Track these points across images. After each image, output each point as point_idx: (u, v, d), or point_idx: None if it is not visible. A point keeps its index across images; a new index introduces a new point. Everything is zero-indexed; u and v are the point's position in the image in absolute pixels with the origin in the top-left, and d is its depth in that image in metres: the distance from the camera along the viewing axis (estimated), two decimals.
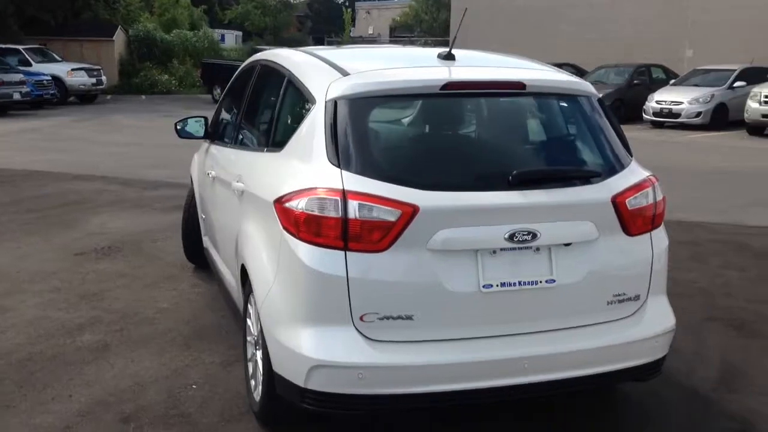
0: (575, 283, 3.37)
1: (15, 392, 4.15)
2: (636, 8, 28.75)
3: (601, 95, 3.90)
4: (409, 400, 3.28)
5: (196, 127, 5.56)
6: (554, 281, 3.33)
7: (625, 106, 21.21)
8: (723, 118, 20.36)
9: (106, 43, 32.82)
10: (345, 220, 3.16)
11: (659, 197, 3.60)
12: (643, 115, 21.07)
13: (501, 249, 3.28)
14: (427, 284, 3.21)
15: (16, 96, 21.85)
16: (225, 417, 3.93)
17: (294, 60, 4.26)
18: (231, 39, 49.58)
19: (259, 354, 3.75)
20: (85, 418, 3.89)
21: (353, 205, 3.16)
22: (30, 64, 25.33)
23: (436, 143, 3.86)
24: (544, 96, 3.83)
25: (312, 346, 3.22)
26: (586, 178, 3.49)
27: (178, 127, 5.62)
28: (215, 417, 3.92)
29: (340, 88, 3.45)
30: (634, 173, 3.59)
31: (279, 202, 3.40)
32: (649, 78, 23.86)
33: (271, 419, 3.77)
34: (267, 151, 4.08)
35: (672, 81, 22.86)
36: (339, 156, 3.29)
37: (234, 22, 48.23)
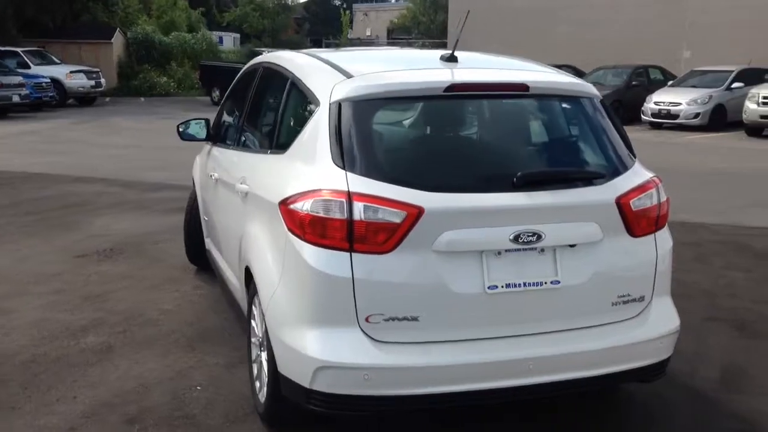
0: (580, 284, 3.38)
1: (20, 394, 4.16)
2: (634, 9, 28.78)
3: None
4: (415, 401, 3.28)
5: (198, 129, 5.56)
6: (559, 282, 3.34)
7: (624, 107, 21.23)
8: (721, 119, 20.41)
9: (105, 45, 32.82)
10: (350, 221, 3.17)
11: (663, 198, 3.61)
12: (642, 116, 21.11)
13: (506, 250, 3.29)
14: (432, 285, 3.22)
15: (15, 98, 21.84)
16: (230, 418, 3.93)
17: (297, 62, 4.27)
18: (229, 41, 49.61)
19: (263, 355, 3.76)
20: (90, 420, 3.90)
21: (358, 207, 3.17)
22: (29, 67, 25.32)
23: (440, 145, 3.87)
24: (547, 98, 3.84)
25: (318, 348, 3.23)
26: (590, 179, 3.50)
27: (181, 129, 5.62)
28: (220, 418, 3.93)
29: (344, 90, 3.46)
30: (637, 174, 3.60)
31: (284, 203, 3.41)
32: (648, 79, 23.89)
33: (276, 420, 3.77)
34: (271, 153, 4.09)
35: (670, 82, 22.90)
36: (344, 158, 3.30)
37: (232, 24, 48.24)
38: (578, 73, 22.35)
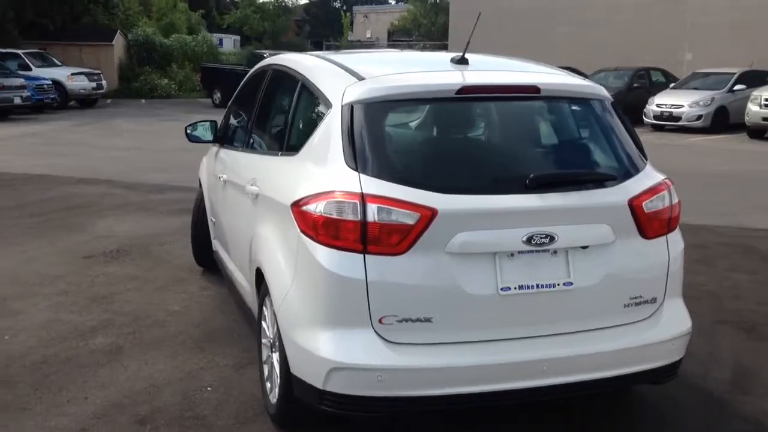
0: (592, 285, 3.39)
1: (30, 395, 4.16)
2: (635, 11, 28.81)
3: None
4: (428, 402, 3.29)
5: (206, 131, 5.59)
6: (572, 284, 3.35)
7: (625, 109, 21.21)
8: (723, 121, 20.41)
9: (106, 47, 32.82)
10: (364, 223, 3.17)
11: (675, 200, 3.62)
12: (644, 118, 21.12)
13: (519, 252, 3.29)
14: (446, 287, 3.23)
15: (17, 100, 21.84)
16: (240, 419, 3.94)
17: (307, 64, 4.28)
18: (229, 43, 49.65)
19: (275, 356, 3.76)
20: (101, 420, 3.90)
21: (372, 209, 3.17)
22: (30, 69, 25.28)
23: (452, 147, 3.88)
24: (558, 100, 3.85)
25: (331, 349, 3.23)
26: (603, 181, 3.50)
27: (188, 131, 5.65)
28: (230, 419, 3.93)
29: (356, 92, 3.47)
30: (649, 176, 3.61)
31: (296, 205, 3.41)
32: (649, 81, 23.91)
33: (288, 421, 3.78)
34: (282, 154, 4.09)
35: (672, 84, 22.93)
36: (356, 159, 3.31)
37: (232, 26, 48.27)
38: (579, 75, 22.33)
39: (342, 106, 3.46)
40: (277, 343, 3.67)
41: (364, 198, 3.18)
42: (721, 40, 26.08)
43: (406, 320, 3.22)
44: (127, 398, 4.14)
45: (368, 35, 56.65)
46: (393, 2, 69.83)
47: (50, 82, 24.38)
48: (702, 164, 14.27)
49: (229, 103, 5.83)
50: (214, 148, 5.82)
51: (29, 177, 11.71)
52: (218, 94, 27.79)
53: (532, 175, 3.32)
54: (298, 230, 3.38)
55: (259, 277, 3.95)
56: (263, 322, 3.99)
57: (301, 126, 4.05)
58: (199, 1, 48.75)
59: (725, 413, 4.11)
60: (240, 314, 5.14)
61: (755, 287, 6.36)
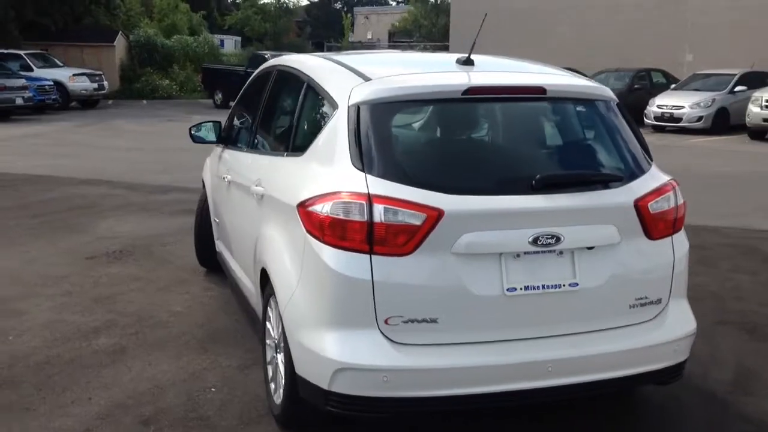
0: (598, 286, 3.39)
1: (34, 395, 4.16)
2: (635, 12, 28.80)
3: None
4: (434, 402, 3.29)
5: (210, 131, 5.60)
6: (577, 285, 3.35)
7: (626, 110, 21.21)
8: (724, 122, 20.42)
9: (107, 48, 32.83)
10: (370, 223, 3.17)
11: (680, 201, 3.63)
12: (644, 119, 21.10)
13: (525, 252, 3.29)
14: (452, 288, 3.23)
15: (19, 101, 21.84)
16: (244, 420, 3.94)
17: (313, 65, 4.28)
18: (230, 44, 49.65)
19: (279, 357, 3.76)
20: (105, 421, 3.90)
21: (379, 209, 3.17)
22: (32, 69, 25.29)
23: (458, 147, 3.89)
24: (564, 101, 3.85)
25: (337, 349, 3.23)
26: (608, 182, 3.51)
27: (193, 132, 5.67)
28: (234, 420, 3.93)
29: (363, 93, 3.48)
30: (654, 177, 3.62)
31: (302, 206, 3.41)
32: (650, 82, 23.92)
33: (292, 422, 3.77)
34: (287, 155, 4.09)
35: (673, 85, 22.92)
36: (363, 160, 3.31)
37: (234, 27, 48.27)
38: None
39: (348, 106, 3.46)
40: (282, 344, 3.68)
41: (370, 198, 3.18)
42: (721, 41, 26.08)
43: (412, 321, 3.22)
44: (131, 399, 4.14)
45: (369, 36, 56.68)
46: (394, 3, 69.94)
47: (52, 83, 24.40)
48: (703, 165, 14.26)
49: (233, 104, 5.83)
50: (218, 149, 5.82)
51: (31, 177, 11.71)
52: (219, 95, 27.83)
53: (538, 176, 3.32)
54: (304, 231, 3.38)
55: (264, 278, 3.95)
56: (268, 323, 3.99)
57: (306, 126, 4.05)
58: (201, 2, 48.74)
59: (727, 414, 4.11)
60: (243, 315, 5.14)
61: (756, 288, 6.36)
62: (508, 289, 3.26)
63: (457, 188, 3.25)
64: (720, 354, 4.87)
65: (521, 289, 3.28)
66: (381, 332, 3.22)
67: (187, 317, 5.44)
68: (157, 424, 3.88)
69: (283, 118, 4.59)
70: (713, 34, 26.54)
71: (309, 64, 4.35)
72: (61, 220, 8.73)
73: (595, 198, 3.41)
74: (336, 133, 3.48)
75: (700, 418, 4.05)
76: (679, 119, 20.45)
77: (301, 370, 3.42)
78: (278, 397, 3.80)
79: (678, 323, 3.60)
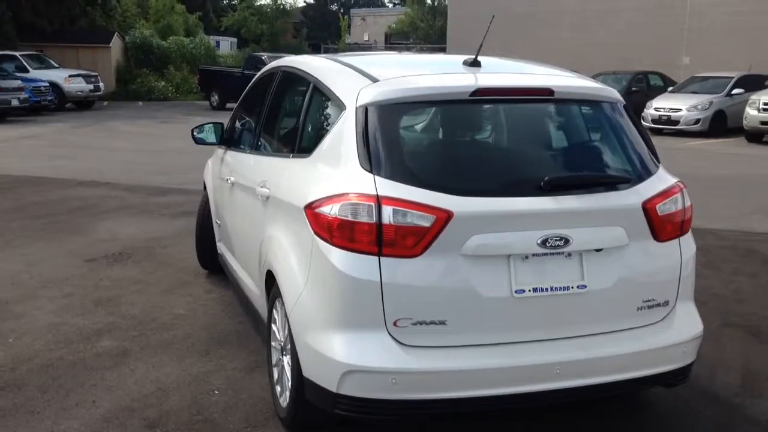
0: (606, 288, 3.38)
1: (39, 398, 4.14)
2: (633, 15, 28.87)
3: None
4: (442, 405, 3.28)
5: (213, 133, 5.58)
6: (585, 287, 3.34)
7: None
8: (721, 125, 20.47)
9: (103, 49, 32.79)
10: (379, 225, 3.16)
11: (687, 203, 3.63)
12: (642, 122, 21.13)
13: (533, 254, 3.28)
14: (460, 289, 3.22)
15: (15, 102, 21.79)
16: (250, 422, 3.92)
17: (319, 66, 4.27)
18: (226, 45, 49.60)
19: (286, 359, 3.75)
20: (110, 424, 3.88)
21: (387, 211, 3.16)
22: (27, 71, 25.26)
23: (466, 149, 3.88)
24: (571, 102, 3.84)
25: (345, 352, 3.22)
26: (616, 184, 3.51)
27: (195, 134, 5.65)
28: (240, 422, 3.92)
29: (371, 94, 3.46)
30: (662, 179, 3.62)
31: (310, 207, 3.40)
32: (647, 85, 23.97)
33: (299, 424, 3.75)
34: (293, 157, 4.07)
35: (670, 88, 22.97)
36: (371, 161, 3.30)
37: (230, 28, 48.23)
38: None
39: (357, 108, 3.45)
40: (288, 346, 3.66)
41: (379, 200, 3.17)
42: (718, 44, 26.16)
43: (421, 323, 3.21)
44: (135, 402, 4.12)
45: (366, 38, 56.72)
46: (390, 5, 69.96)
47: (47, 84, 24.38)
48: (701, 168, 14.26)
49: (236, 105, 5.81)
50: (219, 151, 5.81)
51: (29, 179, 11.68)
52: (216, 97, 27.80)
53: (546, 178, 3.31)
54: (312, 232, 3.36)
55: (270, 280, 3.94)
56: (273, 325, 3.98)
57: (313, 128, 4.03)
58: (197, 4, 48.70)
59: (734, 416, 4.11)
60: (246, 317, 5.12)
61: (757, 291, 6.36)
62: (516, 291, 3.26)
63: (465, 190, 3.24)
64: (728, 356, 4.87)
65: (530, 291, 3.27)
66: (389, 334, 3.21)
67: (189, 319, 5.41)
68: (162, 427, 3.86)
69: (289, 119, 4.58)
70: (710, 37, 26.62)
71: (314, 65, 4.34)
72: (61, 222, 8.71)
73: (603, 200, 3.41)
74: (344, 134, 3.47)
75: (707, 420, 4.04)
76: (676, 122, 20.48)
77: (308, 372, 3.41)
78: (284, 400, 3.79)
79: (685, 325, 3.60)
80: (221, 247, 5.82)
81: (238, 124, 5.64)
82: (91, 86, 26.89)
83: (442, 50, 34.96)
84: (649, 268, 3.51)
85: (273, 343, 4.00)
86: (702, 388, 4.34)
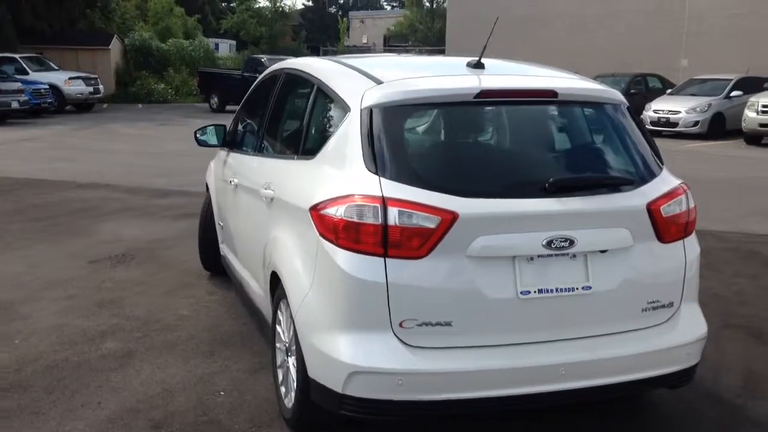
0: (611, 289, 3.40)
1: (44, 399, 4.15)
2: (631, 17, 28.91)
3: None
4: (448, 406, 3.29)
5: (216, 135, 5.60)
6: (590, 288, 3.36)
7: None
8: (720, 127, 20.52)
9: (102, 51, 32.84)
10: (385, 226, 3.17)
11: (691, 205, 3.64)
12: None
13: (538, 256, 3.30)
14: (466, 291, 3.23)
15: (14, 104, 21.85)
16: (255, 423, 3.93)
17: (323, 68, 4.28)
18: (225, 48, 49.65)
19: (291, 361, 3.76)
20: (116, 425, 3.89)
21: (393, 212, 3.18)
22: (27, 73, 25.34)
23: (471, 151, 3.90)
24: (575, 104, 3.86)
25: (351, 353, 3.23)
26: (621, 185, 3.52)
27: (198, 136, 5.66)
28: (246, 423, 3.93)
29: (375, 96, 3.48)
30: (666, 181, 3.64)
31: (315, 209, 3.41)
32: (646, 87, 24.03)
33: (304, 425, 3.76)
34: (298, 158, 4.09)
35: (669, 90, 23.01)
36: (376, 163, 3.31)
37: (229, 31, 48.27)
38: None
39: (361, 109, 3.46)
40: (293, 347, 3.67)
41: (385, 201, 3.18)
42: (717, 47, 26.20)
43: (426, 324, 3.22)
44: (141, 403, 4.13)
45: (364, 40, 56.74)
46: (389, 8, 70.01)
47: (47, 87, 24.44)
48: (700, 170, 14.27)
49: (239, 107, 5.83)
50: (222, 153, 5.82)
51: (30, 181, 11.69)
52: (215, 99, 27.84)
53: (551, 179, 3.33)
54: (317, 234, 3.37)
55: (274, 281, 3.95)
56: (278, 326, 3.99)
57: (317, 129, 4.05)
58: (195, 6, 48.75)
59: (737, 418, 4.12)
60: (249, 319, 5.13)
61: (758, 293, 6.38)
62: (521, 292, 3.27)
63: (471, 191, 3.25)
64: (730, 358, 4.88)
65: (535, 292, 3.29)
66: (395, 335, 3.22)
67: (193, 321, 5.43)
68: (168, 427, 3.87)
69: (293, 121, 4.59)
70: (709, 39, 26.66)
71: (318, 67, 4.35)
72: (62, 224, 8.72)
73: (607, 201, 3.43)
74: (348, 136, 3.48)
75: (710, 422, 4.06)
76: (675, 124, 20.52)
77: (313, 373, 3.42)
78: (289, 401, 3.80)
79: (690, 327, 3.61)
80: (224, 248, 5.84)
81: (240, 127, 5.65)
82: (91, 88, 26.99)
83: (441, 52, 35.03)
84: (653, 269, 3.52)
85: (278, 345, 4.01)
86: (705, 390, 4.35)
